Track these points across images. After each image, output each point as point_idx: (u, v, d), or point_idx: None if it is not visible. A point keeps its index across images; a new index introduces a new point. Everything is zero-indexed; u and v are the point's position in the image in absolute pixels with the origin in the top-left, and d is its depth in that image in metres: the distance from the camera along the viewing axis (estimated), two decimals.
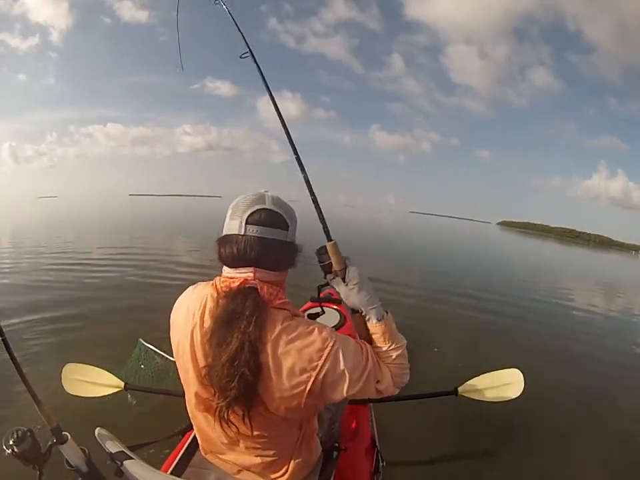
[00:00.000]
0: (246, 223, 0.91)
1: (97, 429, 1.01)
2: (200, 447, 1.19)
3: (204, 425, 1.05)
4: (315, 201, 1.12)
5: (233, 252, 0.92)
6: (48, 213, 24.24)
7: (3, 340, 0.99)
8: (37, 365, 2.92)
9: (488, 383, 1.89)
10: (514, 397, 1.82)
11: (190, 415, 1.09)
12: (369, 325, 1.01)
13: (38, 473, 0.91)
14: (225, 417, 0.89)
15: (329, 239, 1.08)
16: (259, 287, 0.90)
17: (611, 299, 10.03)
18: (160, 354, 2.78)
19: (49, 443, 0.93)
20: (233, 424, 0.91)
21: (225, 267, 0.96)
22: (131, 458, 1.00)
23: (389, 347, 1.00)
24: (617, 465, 2.51)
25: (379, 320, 1.00)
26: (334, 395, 0.91)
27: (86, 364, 1.86)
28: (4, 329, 0.99)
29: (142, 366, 2.78)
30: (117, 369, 2.76)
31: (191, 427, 1.31)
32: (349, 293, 1.01)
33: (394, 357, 1.00)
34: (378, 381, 0.97)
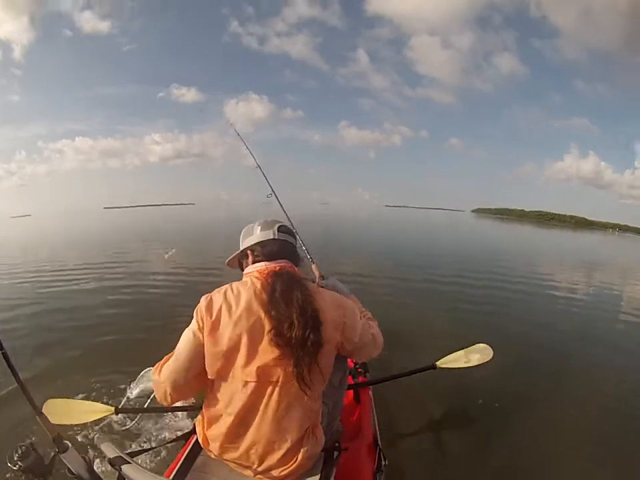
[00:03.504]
0: (278, 231, 1.31)
1: (97, 436, 1.02)
2: (208, 449, 1.21)
3: (239, 422, 1.13)
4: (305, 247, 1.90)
5: (272, 249, 1.28)
6: (23, 233, 23.23)
7: (3, 354, 1.00)
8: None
9: (462, 357, 2.17)
10: (485, 361, 2.14)
11: (218, 415, 1.16)
12: None
13: None
14: (302, 370, 1.08)
15: (313, 262, 2.06)
16: (294, 270, 1.27)
17: (582, 276, 10.27)
18: None
19: (52, 453, 0.94)
20: (302, 384, 1.09)
21: (254, 265, 1.26)
22: (132, 464, 1.01)
23: (362, 310, 1.42)
24: (586, 424, 2.70)
25: (349, 293, 1.55)
26: (354, 328, 1.22)
27: (69, 398, 1.77)
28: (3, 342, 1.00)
29: None
30: (105, 390, 2.72)
31: (192, 433, 1.34)
32: (334, 280, 1.65)
33: (368, 315, 1.42)
34: (370, 325, 1.33)
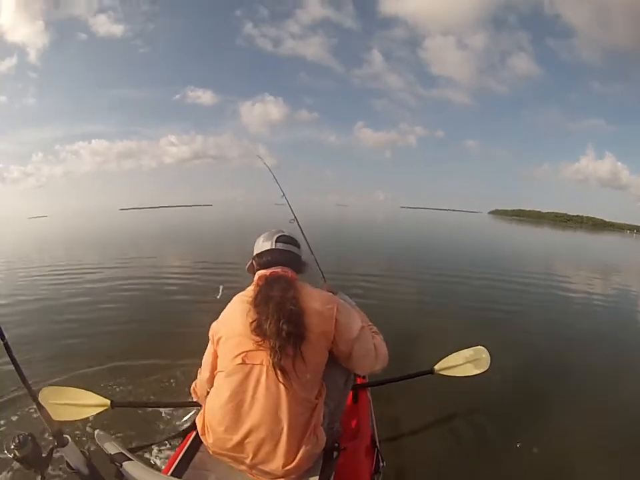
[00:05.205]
0: (276, 242, 1.41)
1: (97, 431, 1.02)
2: (205, 441, 1.23)
3: (233, 407, 1.17)
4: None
5: (268, 259, 1.40)
6: (40, 233, 23.78)
7: (5, 344, 0.99)
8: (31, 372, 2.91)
9: (459, 360, 2.16)
10: (483, 371, 2.11)
11: (216, 405, 1.20)
12: None
13: (40, 477, 0.92)
14: (280, 358, 1.14)
15: (325, 281, 2.27)
16: (287, 274, 1.35)
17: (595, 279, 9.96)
18: None
19: (50, 446, 0.94)
20: (284, 371, 1.15)
21: (256, 273, 1.39)
22: (131, 460, 1.02)
23: (367, 323, 1.46)
24: (592, 433, 2.60)
25: (357, 308, 1.55)
26: (348, 325, 1.29)
27: (66, 386, 1.78)
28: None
29: None
30: (105, 386, 2.79)
31: (191, 429, 1.37)
32: (343, 295, 1.75)
33: (373, 329, 1.46)
34: (373, 336, 1.38)
